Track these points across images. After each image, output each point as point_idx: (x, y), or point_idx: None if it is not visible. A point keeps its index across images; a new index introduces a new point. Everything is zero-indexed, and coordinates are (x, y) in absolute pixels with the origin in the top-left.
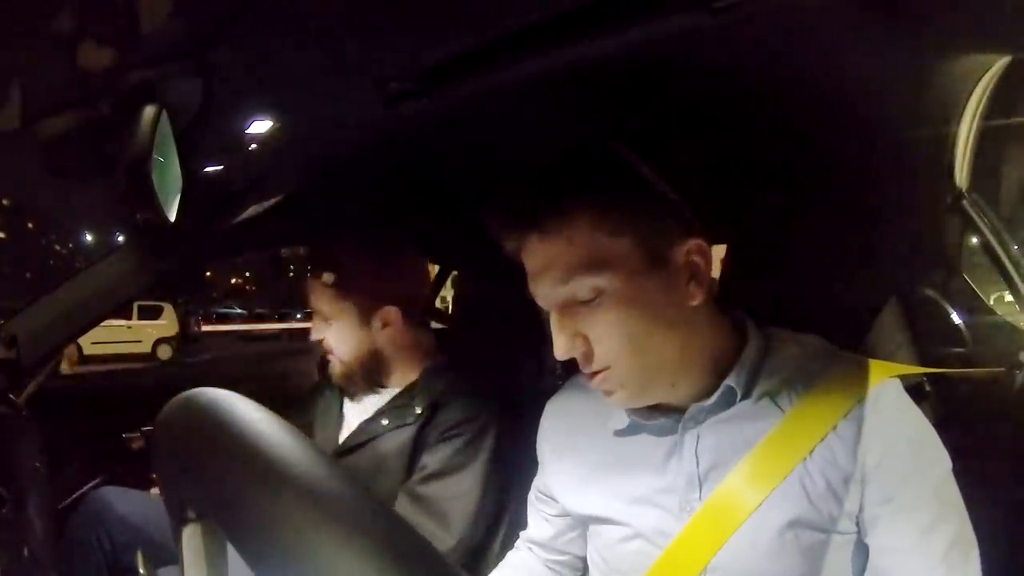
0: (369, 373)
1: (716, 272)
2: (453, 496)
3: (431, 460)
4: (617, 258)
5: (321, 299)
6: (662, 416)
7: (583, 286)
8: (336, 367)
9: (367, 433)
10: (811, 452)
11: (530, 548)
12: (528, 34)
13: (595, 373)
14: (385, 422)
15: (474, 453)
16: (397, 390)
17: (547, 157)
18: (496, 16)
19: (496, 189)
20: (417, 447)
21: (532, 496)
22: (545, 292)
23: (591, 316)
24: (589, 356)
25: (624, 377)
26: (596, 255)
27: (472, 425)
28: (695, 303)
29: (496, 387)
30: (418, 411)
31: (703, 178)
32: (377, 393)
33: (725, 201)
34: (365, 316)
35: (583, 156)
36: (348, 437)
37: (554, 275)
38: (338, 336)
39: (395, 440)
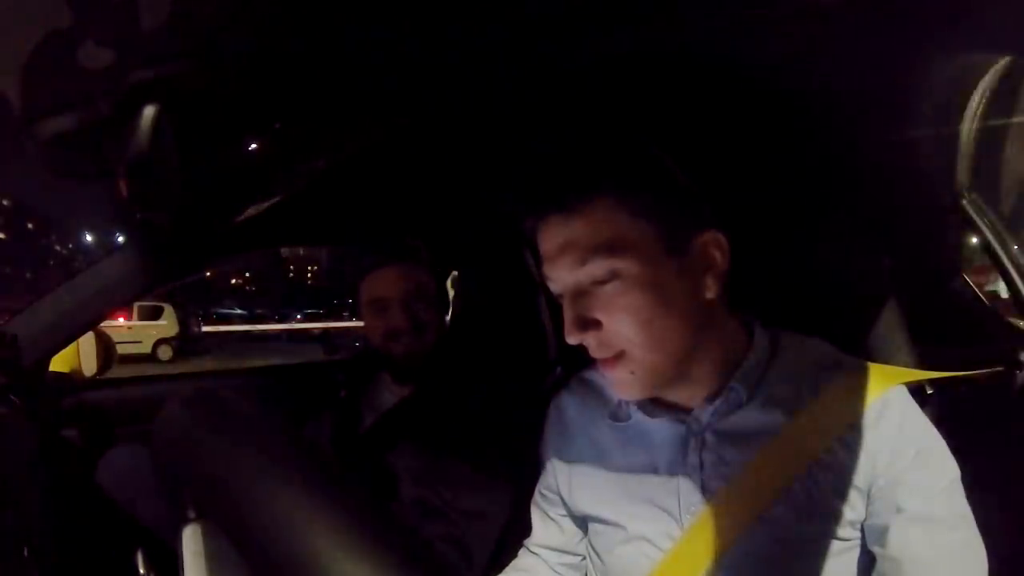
0: None
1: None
2: None
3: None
4: (636, 241)
5: None
6: (668, 414)
7: (601, 267)
8: None
9: None
10: (815, 459)
11: (538, 554)
12: (549, 29)
13: (608, 361)
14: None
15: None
16: None
17: (572, 143)
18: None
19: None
20: None
21: (537, 498)
22: (560, 275)
23: (607, 300)
24: (601, 342)
25: (637, 364)
26: (615, 236)
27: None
28: (710, 295)
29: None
30: None
31: (718, 175)
32: None
33: (733, 198)
34: None
35: (609, 141)
36: None
37: (572, 256)
38: None
39: None
